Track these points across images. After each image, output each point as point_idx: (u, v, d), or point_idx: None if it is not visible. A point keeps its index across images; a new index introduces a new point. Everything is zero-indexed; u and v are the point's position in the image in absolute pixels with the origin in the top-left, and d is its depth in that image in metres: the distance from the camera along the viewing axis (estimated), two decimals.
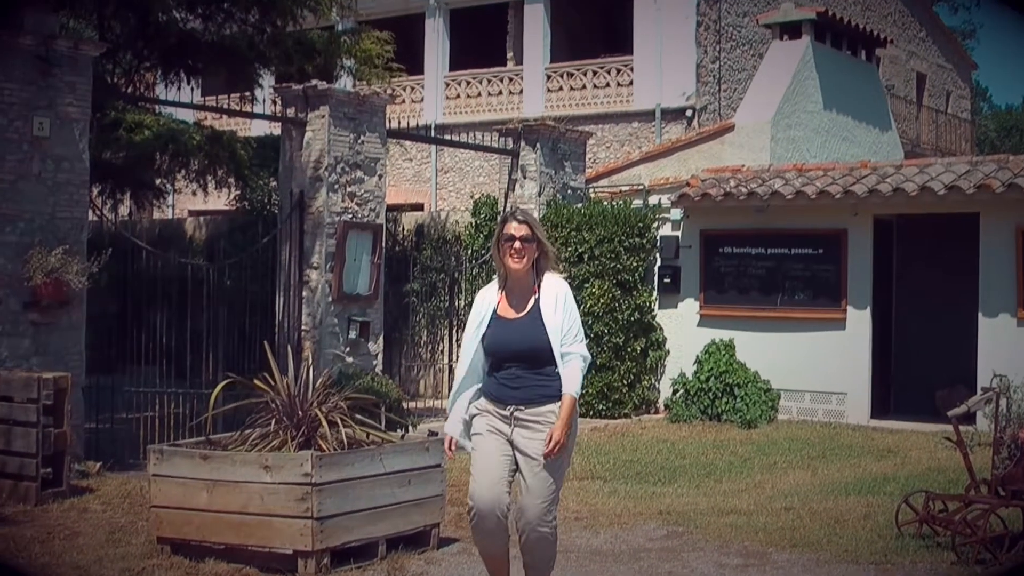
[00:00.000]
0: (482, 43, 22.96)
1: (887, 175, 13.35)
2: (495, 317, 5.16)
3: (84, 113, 9.36)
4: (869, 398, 13.46)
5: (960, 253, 13.19)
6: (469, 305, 15.34)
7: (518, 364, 5.06)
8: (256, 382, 6.64)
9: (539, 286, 5.17)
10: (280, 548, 6.24)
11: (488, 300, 5.22)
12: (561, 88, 21.52)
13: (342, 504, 6.32)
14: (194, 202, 22.12)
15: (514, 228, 5.12)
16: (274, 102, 12.33)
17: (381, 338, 12.35)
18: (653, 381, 14.72)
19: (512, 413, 5.07)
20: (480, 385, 5.21)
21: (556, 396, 5.05)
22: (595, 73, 21.18)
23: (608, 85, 21.04)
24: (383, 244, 12.37)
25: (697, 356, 14.16)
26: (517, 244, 5.11)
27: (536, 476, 5.03)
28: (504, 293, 5.20)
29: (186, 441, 7.14)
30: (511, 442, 5.09)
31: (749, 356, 13.89)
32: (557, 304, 5.10)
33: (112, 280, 14.82)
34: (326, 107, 11.65)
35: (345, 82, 14.50)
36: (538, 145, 14.52)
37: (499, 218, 5.23)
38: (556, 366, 5.06)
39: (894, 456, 11.02)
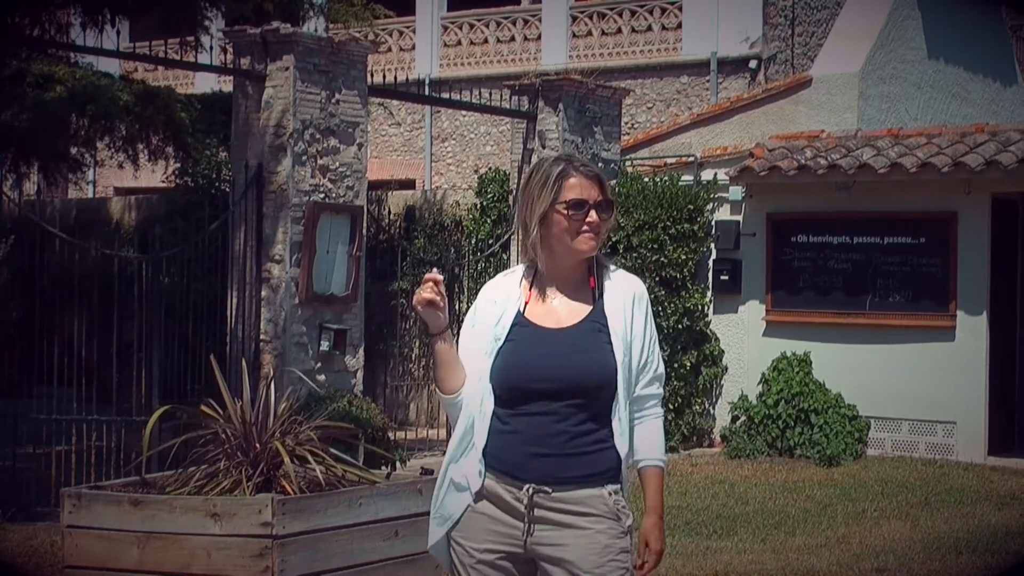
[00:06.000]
0: None
1: (1011, 142, 13.31)
2: (521, 322, 3.97)
3: None
4: (986, 429, 13.42)
5: None
6: None
7: (559, 405, 3.88)
8: (202, 408, 6.63)
9: (599, 279, 4.03)
10: None
11: (505, 294, 4.03)
12: (590, 33, 21.51)
13: (311, 562, 6.30)
14: (121, 177, 22.13)
15: (583, 188, 3.93)
16: (224, 50, 12.34)
17: (361, 351, 12.35)
18: (707, 406, 14.69)
19: (532, 499, 3.90)
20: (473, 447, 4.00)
21: (614, 471, 3.94)
22: (633, 13, 21.16)
23: (650, 28, 21.02)
24: (364, 231, 12.37)
25: (763, 374, 14.14)
26: (594, 216, 3.93)
27: None
28: (534, 287, 4.03)
29: (111, 483, 7.12)
30: (529, 560, 3.96)
31: (829, 374, 13.86)
32: (632, 313, 3.99)
33: (15, 276, 14.91)
34: (290, 56, 11.64)
35: (315, 25, 14.53)
36: (560, 106, 14.50)
37: (538, 170, 4.03)
38: (615, 419, 3.93)
39: (1019, 504, 10.98)
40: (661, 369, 4.07)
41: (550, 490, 3.86)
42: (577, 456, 3.87)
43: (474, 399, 3.96)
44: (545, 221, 3.93)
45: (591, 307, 3.97)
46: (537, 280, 4.02)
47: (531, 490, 3.87)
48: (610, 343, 3.92)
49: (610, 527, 3.89)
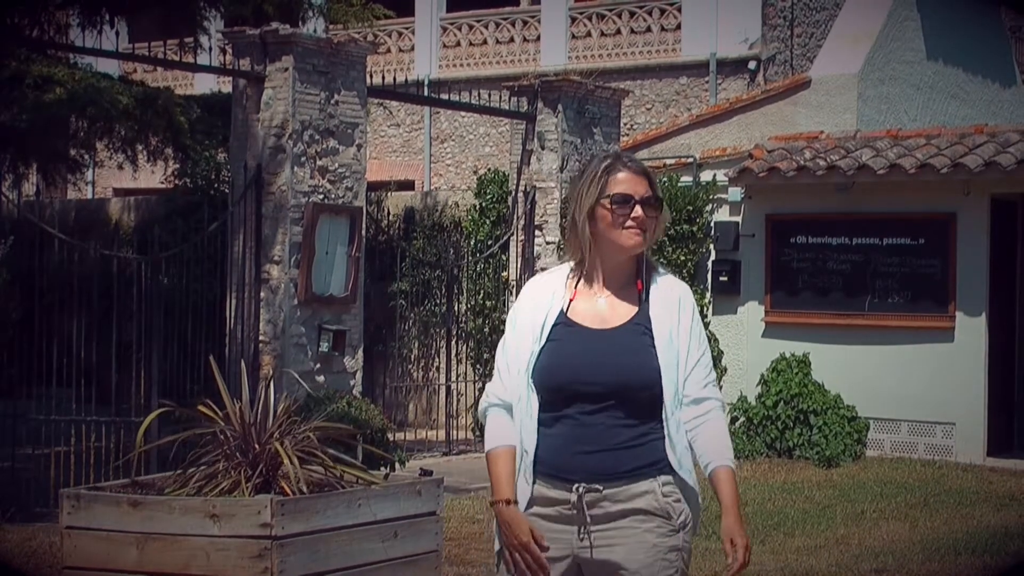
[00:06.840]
0: None
1: (1010, 143, 13.31)
2: (564, 321, 3.94)
3: None
4: (985, 430, 13.41)
5: None
6: (472, 311, 15.59)
7: (602, 406, 3.85)
8: (201, 408, 6.63)
9: (645, 281, 4.01)
10: None
11: (551, 293, 4.00)
12: (589, 34, 21.52)
13: (310, 563, 6.30)
14: (120, 178, 22.15)
15: (630, 183, 3.93)
16: (223, 51, 12.35)
17: (360, 351, 12.35)
18: None
19: (582, 498, 3.85)
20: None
21: (664, 462, 3.89)
22: (632, 14, 21.16)
23: (649, 29, 21.03)
24: (363, 232, 12.37)
25: (762, 375, 14.13)
26: (639, 211, 3.91)
27: None
28: (580, 285, 4.01)
29: (110, 483, 7.11)
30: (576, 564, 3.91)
31: (829, 375, 13.86)
32: (678, 314, 3.97)
33: (14, 277, 14.90)
34: (290, 58, 11.64)
35: (315, 25, 14.53)
36: (560, 106, 14.50)
37: (588, 167, 4.03)
38: (662, 419, 3.89)
39: (1018, 505, 10.98)
40: (714, 373, 4.03)
41: (601, 488, 3.83)
42: (625, 450, 3.84)
43: (520, 401, 3.93)
44: (592, 216, 3.92)
45: (636, 309, 3.94)
46: (583, 278, 3.99)
47: (582, 489, 3.83)
48: (654, 347, 3.89)
49: (659, 525, 3.86)
